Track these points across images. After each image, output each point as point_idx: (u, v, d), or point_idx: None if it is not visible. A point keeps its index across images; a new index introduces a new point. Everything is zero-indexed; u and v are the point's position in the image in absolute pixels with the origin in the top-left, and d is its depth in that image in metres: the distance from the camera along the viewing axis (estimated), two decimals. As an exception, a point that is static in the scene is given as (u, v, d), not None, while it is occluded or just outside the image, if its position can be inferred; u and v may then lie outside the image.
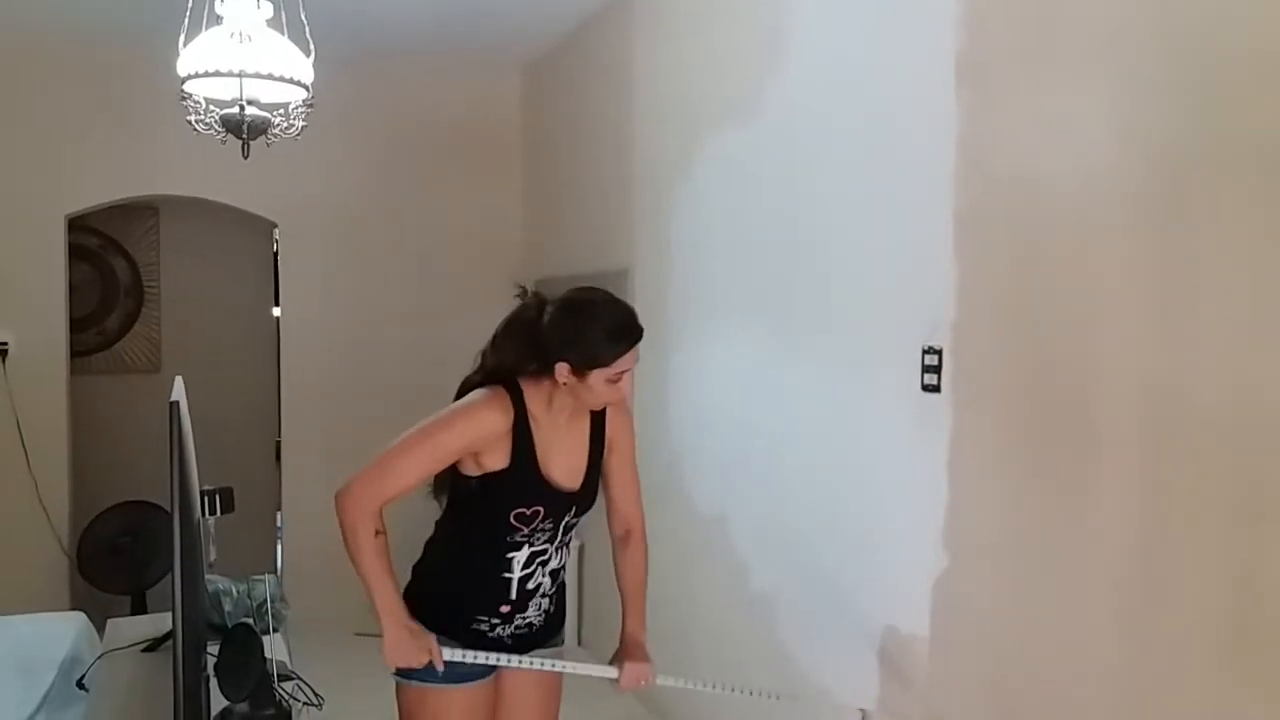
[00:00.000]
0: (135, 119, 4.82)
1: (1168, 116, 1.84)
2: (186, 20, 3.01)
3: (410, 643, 2.00)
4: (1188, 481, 1.80)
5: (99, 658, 2.70)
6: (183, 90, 2.99)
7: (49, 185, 4.80)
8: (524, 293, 2.16)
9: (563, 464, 2.11)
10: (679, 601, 3.65)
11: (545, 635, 2.23)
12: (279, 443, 5.44)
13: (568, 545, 2.20)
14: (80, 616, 3.22)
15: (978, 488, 2.31)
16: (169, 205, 5.54)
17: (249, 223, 5.33)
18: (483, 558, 2.11)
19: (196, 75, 2.88)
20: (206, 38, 2.89)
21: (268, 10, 2.95)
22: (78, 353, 5.33)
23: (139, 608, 4.75)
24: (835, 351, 2.86)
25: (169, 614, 1.87)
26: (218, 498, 2.19)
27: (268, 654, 2.10)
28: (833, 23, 2.84)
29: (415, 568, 2.22)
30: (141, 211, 5.58)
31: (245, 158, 3.15)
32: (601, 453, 2.20)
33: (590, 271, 4.38)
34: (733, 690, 2.50)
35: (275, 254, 5.48)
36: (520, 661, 2.12)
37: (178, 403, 1.78)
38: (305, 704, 2.28)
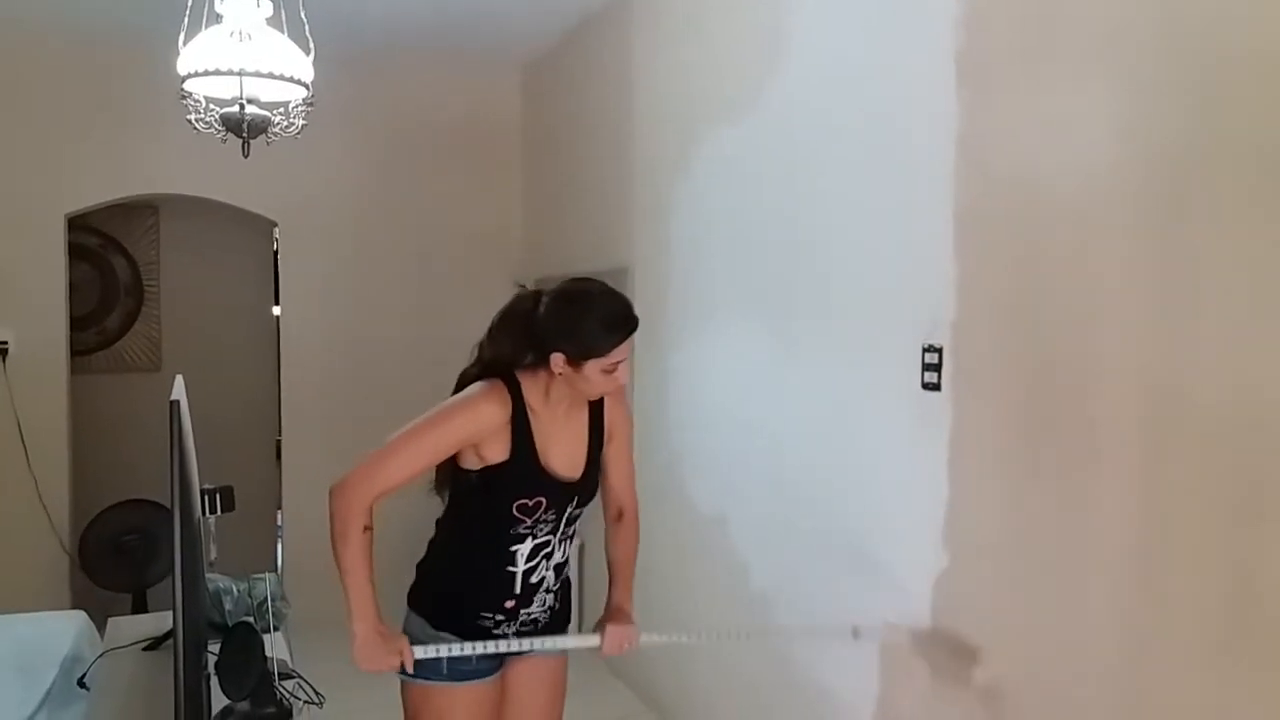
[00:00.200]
0: (135, 118, 4.82)
1: (1168, 116, 1.84)
2: (186, 19, 3.01)
3: (381, 645, 1.99)
4: (1188, 481, 1.80)
5: (100, 656, 2.70)
6: (183, 89, 2.99)
7: (49, 184, 4.79)
8: (523, 290, 2.17)
9: (562, 455, 2.12)
10: (679, 601, 3.65)
11: (550, 632, 2.23)
12: (279, 441, 5.44)
13: (571, 538, 2.20)
14: (81, 615, 3.22)
15: (978, 487, 2.32)
16: (169, 204, 5.54)
17: (249, 222, 5.32)
18: (486, 552, 2.11)
19: (196, 74, 2.88)
20: (206, 36, 2.89)
21: (267, 9, 2.95)
22: (78, 352, 5.33)
23: (140, 606, 4.76)
24: (835, 350, 2.86)
25: (170, 613, 1.87)
26: (218, 496, 2.18)
27: (268, 652, 2.10)
28: (832, 22, 2.84)
29: (419, 566, 2.22)
30: (141, 210, 5.57)
31: (245, 157, 3.15)
32: (601, 443, 2.21)
33: (590, 270, 4.36)
34: (716, 637, 2.46)
35: (275, 253, 5.48)
36: (500, 647, 2.10)
37: (178, 401, 1.78)
38: (306, 702, 2.28)
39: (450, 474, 2.12)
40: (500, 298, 2.33)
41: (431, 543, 2.23)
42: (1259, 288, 1.68)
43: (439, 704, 2.12)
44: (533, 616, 2.17)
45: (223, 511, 2.17)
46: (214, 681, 2.13)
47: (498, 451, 2.05)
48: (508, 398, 2.05)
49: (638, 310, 2.09)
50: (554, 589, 2.20)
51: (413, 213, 5.33)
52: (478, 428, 2.03)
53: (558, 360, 2.02)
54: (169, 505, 1.71)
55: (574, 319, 2.02)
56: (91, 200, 4.94)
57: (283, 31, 3.03)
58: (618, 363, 2.03)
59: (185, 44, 2.91)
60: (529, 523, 2.08)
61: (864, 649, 2.67)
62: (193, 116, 3.06)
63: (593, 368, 2.02)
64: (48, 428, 4.84)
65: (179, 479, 1.70)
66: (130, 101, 4.80)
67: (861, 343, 2.73)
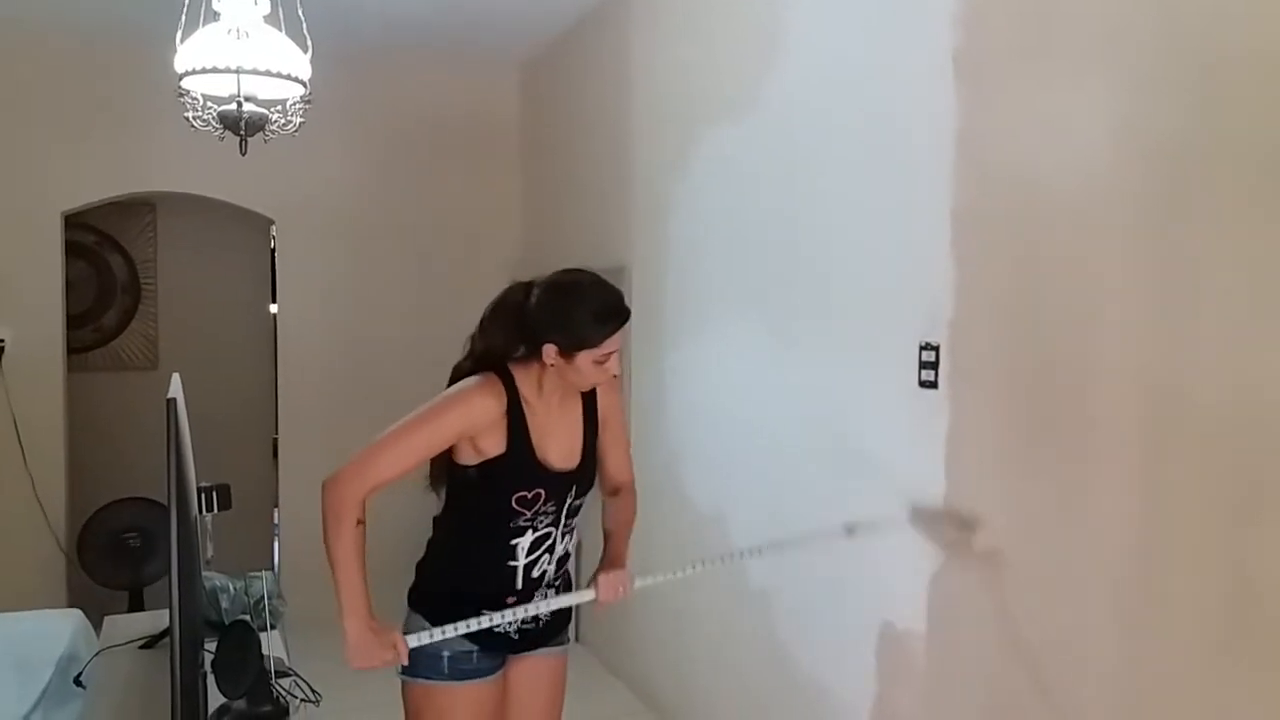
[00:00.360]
0: (132, 116, 4.81)
1: (1167, 116, 1.84)
2: (184, 16, 3.01)
3: (374, 642, 1.97)
4: (1188, 481, 1.80)
5: (96, 655, 2.69)
6: (180, 87, 2.99)
7: (45, 182, 4.79)
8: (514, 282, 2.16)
9: (559, 446, 2.11)
10: (678, 601, 3.65)
11: (552, 631, 2.23)
12: (276, 440, 5.44)
13: (572, 531, 2.19)
14: (77, 614, 3.21)
15: (975, 485, 2.31)
16: (166, 202, 5.53)
17: (246, 219, 5.32)
18: (487, 547, 2.10)
19: (194, 72, 2.87)
20: (204, 34, 2.88)
21: (265, 6, 2.94)
22: (74, 350, 5.32)
23: (136, 604, 4.76)
24: (833, 349, 2.86)
25: (166, 611, 1.87)
26: (215, 495, 2.18)
27: (265, 650, 2.10)
28: (831, 20, 2.84)
29: (419, 566, 2.22)
30: (138, 208, 5.57)
31: (243, 154, 3.14)
32: (595, 431, 2.20)
33: (589, 269, 4.37)
34: (709, 564, 2.44)
35: (273, 251, 5.48)
36: (494, 619, 2.06)
37: (175, 399, 1.78)
38: (302, 700, 2.28)
39: (445, 470, 2.11)
40: (497, 295, 2.32)
41: (430, 542, 2.22)
42: (1259, 288, 1.68)
43: (440, 704, 2.11)
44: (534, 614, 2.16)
45: (219, 510, 2.17)
46: (210, 680, 2.13)
47: (494, 445, 2.04)
48: (502, 391, 2.04)
49: (637, 310, 2.09)
50: (555, 584, 2.19)
51: (410, 211, 5.33)
52: (472, 421, 2.02)
53: (550, 352, 2.02)
54: (166, 503, 1.71)
55: (565, 310, 2.02)
56: (88, 198, 4.93)
57: (280, 29, 3.03)
58: (610, 353, 2.03)
59: (182, 41, 2.91)
60: (528, 515, 2.08)
61: (864, 650, 2.67)
62: (190, 114, 3.06)
63: (585, 359, 2.02)
64: (44, 426, 4.84)
65: (176, 477, 1.69)
66: (127, 99, 4.80)
67: (859, 341, 2.73)
